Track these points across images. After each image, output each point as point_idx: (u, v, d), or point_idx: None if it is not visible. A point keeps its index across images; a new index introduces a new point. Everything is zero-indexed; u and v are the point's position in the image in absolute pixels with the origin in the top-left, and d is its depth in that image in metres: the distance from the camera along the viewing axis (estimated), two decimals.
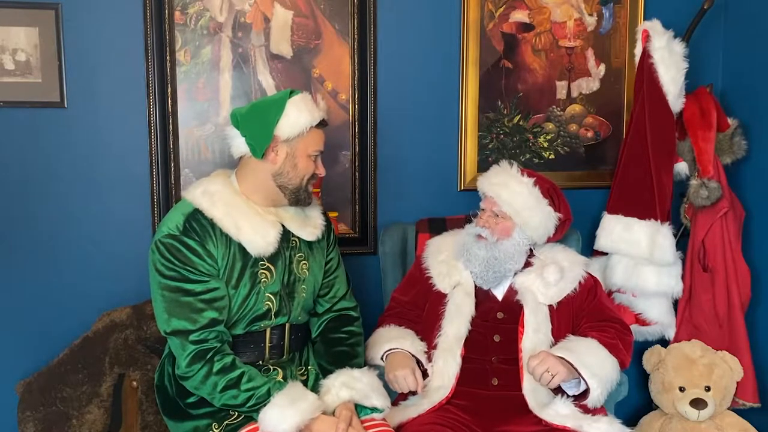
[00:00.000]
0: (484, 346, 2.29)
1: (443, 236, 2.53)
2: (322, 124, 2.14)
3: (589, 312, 2.37)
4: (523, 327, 2.28)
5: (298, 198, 2.14)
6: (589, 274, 2.44)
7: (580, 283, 2.37)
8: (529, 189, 2.34)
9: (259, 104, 2.13)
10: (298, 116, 2.07)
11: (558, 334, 2.30)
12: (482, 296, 2.35)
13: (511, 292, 2.35)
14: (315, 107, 2.13)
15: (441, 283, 2.38)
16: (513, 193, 2.33)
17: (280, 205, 2.14)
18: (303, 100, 2.10)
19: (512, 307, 2.32)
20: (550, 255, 2.40)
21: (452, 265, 2.39)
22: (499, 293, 2.36)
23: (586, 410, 2.20)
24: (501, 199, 2.32)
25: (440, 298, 2.36)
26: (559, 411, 2.17)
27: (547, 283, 2.32)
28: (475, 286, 2.35)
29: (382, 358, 2.30)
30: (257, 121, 2.07)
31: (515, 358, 2.26)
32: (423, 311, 2.41)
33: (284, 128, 2.06)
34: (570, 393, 2.23)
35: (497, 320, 2.32)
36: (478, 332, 2.29)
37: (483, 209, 2.37)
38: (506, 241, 2.32)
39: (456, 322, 2.29)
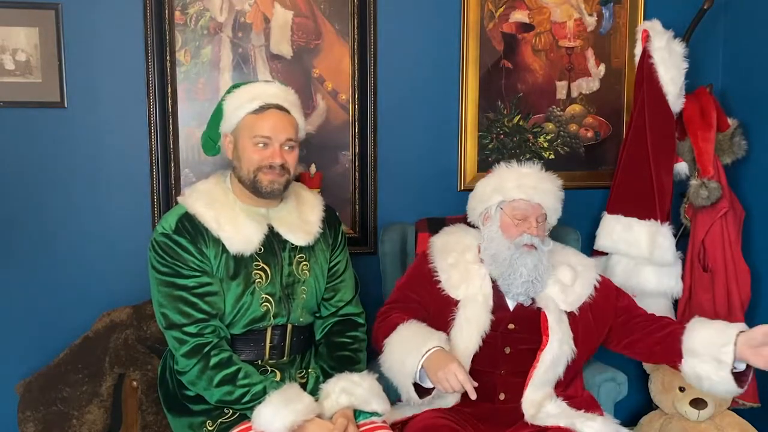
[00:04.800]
0: (493, 358, 2.19)
1: (447, 234, 2.40)
2: (266, 108, 2.07)
3: (628, 310, 2.30)
4: (547, 336, 2.18)
5: (258, 190, 2.08)
6: (602, 276, 2.37)
7: (595, 287, 2.29)
8: (557, 183, 2.31)
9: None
10: (231, 106, 2.09)
11: (579, 344, 2.22)
12: (495, 305, 2.23)
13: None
14: (256, 93, 2.08)
15: (452, 290, 2.25)
16: (555, 197, 2.28)
17: (259, 202, 2.12)
18: (243, 89, 2.11)
19: (524, 317, 2.22)
20: (561, 258, 2.32)
21: (465, 271, 2.26)
22: (511, 302, 2.25)
23: (578, 407, 2.17)
24: (549, 206, 2.25)
25: (449, 304, 2.23)
26: (549, 412, 2.14)
27: (563, 286, 2.24)
28: (493, 296, 2.23)
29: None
30: (208, 123, 2.19)
31: (525, 371, 2.18)
32: (429, 313, 2.27)
33: (225, 122, 2.11)
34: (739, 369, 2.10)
35: (508, 331, 2.22)
36: (488, 344, 2.18)
37: (522, 219, 2.22)
38: (546, 243, 2.24)
39: (466, 336, 2.17)
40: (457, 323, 2.19)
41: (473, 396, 1.96)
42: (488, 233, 2.26)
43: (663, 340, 2.21)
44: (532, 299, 2.23)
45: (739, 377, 2.08)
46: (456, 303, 2.22)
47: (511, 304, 2.25)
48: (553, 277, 2.25)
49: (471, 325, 2.17)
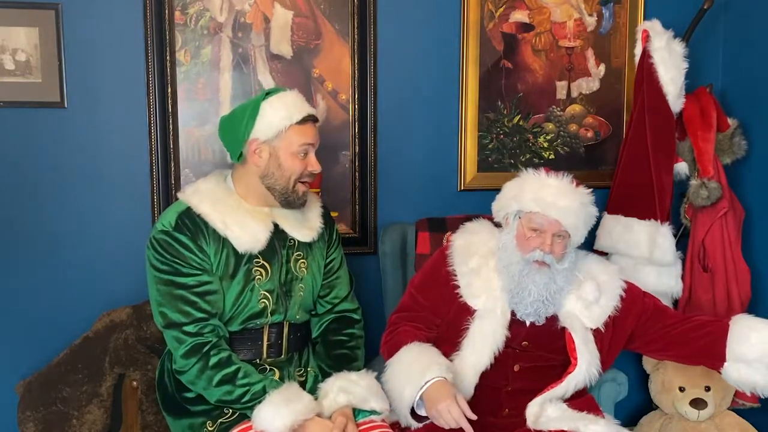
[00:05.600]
0: (502, 375, 2.12)
1: (469, 233, 2.25)
2: (308, 119, 2.10)
3: (654, 314, 2.21)
4: (575, 359, 2.09)
5: (288, 200, 2.11)
6: (627, 282, 2.24)
7: (621, 297, 2.18)
8: (584, 199, 2.11)
9: (237, 109, 2.14)
10: (273, 116, 2.05)
11: (603, 360, 2.14)
12: (511, 319, 2.12)
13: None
14: (296, 104, 2.09)
15: (470, 299, 2.14)
16: (577, 214, 2.08)
17: (266, 202, 2.14)
18: (280, 99, 2.08)
19: (541, 335, 2.13)
20: (584, 269, 2.18)
21: (487, 280, 2.14)
22: (527, 319, 2.14)
23: (578, 408, 2.13)
24: (568, 223, 2.06)
25: (465, 312, 2.13)
26: (550, 415, 2.09)
27: (587, 303, 2.13)
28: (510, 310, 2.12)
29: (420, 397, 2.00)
30: (229, 127, 2.11)
31: (533, 389, 2.12)
32: (442, 319, 2.19)
33: (261, 129, 2.05)
34: None
35: (521, 348, 2.13)
36: (499, 360, 2.09)
37: (539, 231, 2.07)
38: (562, 262, 2.09)
39: (479, 350, 2.08)
40: (471, 335, 2.10)
41: (469, 431, 1.91)
42: (504, 241, 2.14)
43: (701, 341, 2.14)
44: (548, 318, 2.12)
45: None
46: (472, 312, 2.13)
47: (527, 320, 2.15)
48: (575, 293, 2.13)
49: (485, 340, 2.08)
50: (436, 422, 1.96)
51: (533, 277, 2.06)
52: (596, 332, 2.15)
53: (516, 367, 2.14)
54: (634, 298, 2.22)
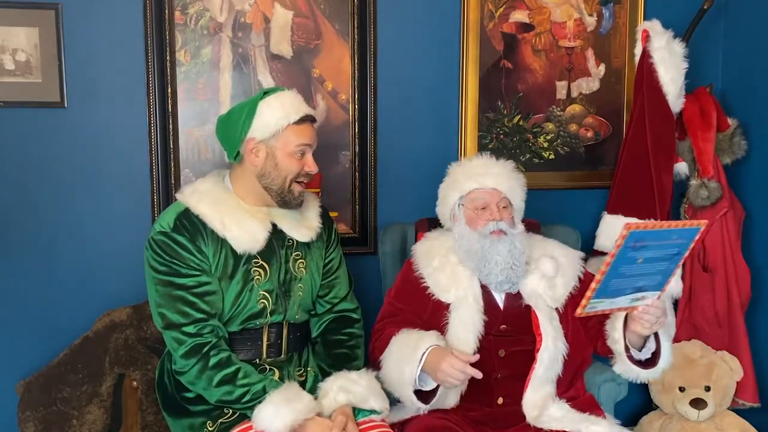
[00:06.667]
0: (489, 362, 2.14)
1: (429, 240, 2.38)
2: (305, 119, 2.10)
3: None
4: (540, 336, 2.15)
5: (285, 200, 2.11)
6: (585, 269, 2.33)
7: (579, 278, 2.27)
8: (510, 167, 2.31)
9: (235, 108, 2.13)
10: (271, 115, 2.05)
11: (570, 339, 2.18)
12: (486, 304, 2.20)
13: (512, 299, 2.22)
14: (294, 104, 2.09)
15: (441, 294, 2.23)
16: (509, 177, 2.28)
17: (264, 202, 2.14)
18: (278, 99, 2.08)
19: (515, 317, 2.20)
20: (541, 250, 2.29)
21: (452, 273, 2.24)
22: (499, 297, 2.24)
23: (579, 409, 2.16)
24: (505, 188, 2.25)
25: (441, 308, 2.22)
26: (552, 415, 2.12)
27: (548, 279, 2.21)
28: (483, 295, 2.21)
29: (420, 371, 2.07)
30: (226, 126, 2.12)
31: (522, 373, 2.15)
32: (422, 320, 2.24)
33: (258, 129, 2.06)
34: (640, 357, 2.10)
35: (501, 333, 2.19)
36: (483, 347, 2.15)
37: (483, 208, 2.22)
38: (516, 226, 2.23)
39: (462, 338, 2.14)
40: (451, 326, 2.17)
41: (479, 376, 1.97)
42: (458, 231, 2.27)
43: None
44: (519, 292, 2.21)
45: (652, 359, 2.09)
46: (447, 306, 2.21)
47: (500, 301, 2.23)
48: (537, 271, 2.22)
49: (465, 327, 2.16)
50: (445, 384, 2.02)
51: (496, 248, 2.17)
52: (558, 311, 2.21)
53: (501, 353, 2.18)
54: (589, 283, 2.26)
